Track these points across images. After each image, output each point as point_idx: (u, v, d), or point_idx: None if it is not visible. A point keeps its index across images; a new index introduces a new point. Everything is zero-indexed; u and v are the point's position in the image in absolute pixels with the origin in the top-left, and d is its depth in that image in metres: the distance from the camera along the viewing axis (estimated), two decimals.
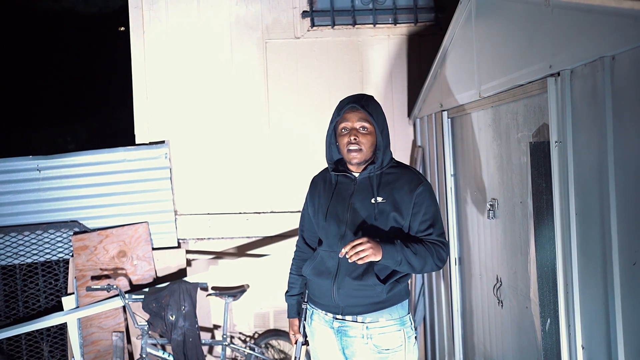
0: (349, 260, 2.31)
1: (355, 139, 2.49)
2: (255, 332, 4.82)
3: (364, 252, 2.29)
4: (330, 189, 2.64)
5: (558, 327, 2.36)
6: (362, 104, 2.53)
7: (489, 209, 3.14)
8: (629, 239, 1.88)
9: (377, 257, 2.32)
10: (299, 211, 4.74)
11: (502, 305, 3.09)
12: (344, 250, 2.31)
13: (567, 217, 2.24)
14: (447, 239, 2.55)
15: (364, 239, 2.31)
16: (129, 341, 4.54)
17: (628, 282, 1.89)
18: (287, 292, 2.86)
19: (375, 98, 2.66)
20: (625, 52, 1.83)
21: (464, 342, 3.81)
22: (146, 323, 4.22)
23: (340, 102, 2.61)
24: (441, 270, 4.09)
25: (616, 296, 1.93)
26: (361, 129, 2.52)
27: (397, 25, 4.79)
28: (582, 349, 2.19)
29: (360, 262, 2.30)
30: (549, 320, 2.54)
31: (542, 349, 2.59)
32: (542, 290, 2.56)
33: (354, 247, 2.30)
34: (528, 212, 2.66)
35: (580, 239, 2.19)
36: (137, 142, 4.74)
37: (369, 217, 2.50)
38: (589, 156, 2.11)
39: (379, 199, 2.50)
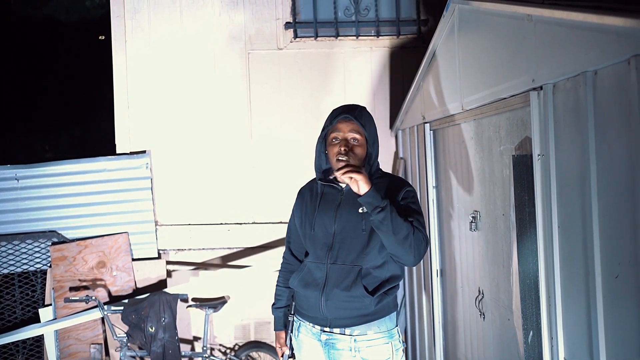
0: (339, 174, 2.32)
1: (345, 150, 2.48)
2: (236, 344, 4.78)
3: (357, 174, 2.30)
4: (317, 199, 2.63)
5: (540, 339, 2.37)
6: (355, 114, 2.52)
7: (471, 221, 3.15)
8: (611, 252, 1.89)
9: (365, 187, 2.30)
10: (281, 222, 4.73)
11: (484, 318, 3.10)
12: (339, 165, 2.38)
13: (550, 229, 2.25)
14: (428, 237, 2.51)
15: (360, 165, 2.39)
16: (107, 353, 4.48)
17: (610, 294, 1.90)
18: (273, 304, 2.84)
19: None
20: (607, 67, 1.85)
21: (445, 354, 3.81)
22: (125, 335, 4.16)
23: (333, 110, 2.60)
24: (422, 282, 4.09)
25: (598, 308, 1.94)
26: (352, 140, 2.51)
27: (380, 37, 4.82)
28: None
29: (346, 176, 2.30)
30: (531, 333, 2.55)
31: None
32: (525, 302, 2.58)
33: (349, 165, 2.34)
34: (510, 224, 2.68)
35: (563, 251, 2.20)
36: (117, 152, 4.70)
37: (356, 227, 2.49)
38: (571, 169, 2.13)
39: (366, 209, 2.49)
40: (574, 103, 2.07)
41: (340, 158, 2.48)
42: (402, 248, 2.35)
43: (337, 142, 2.52)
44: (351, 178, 2.31)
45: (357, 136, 2.51)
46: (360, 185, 2.30)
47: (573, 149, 2.10)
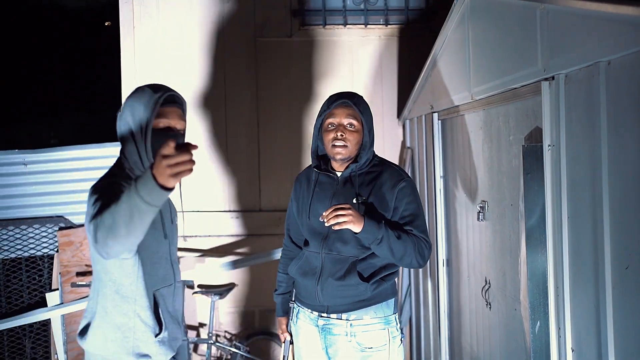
0: (326, 224, 2.29)
1: (342, 135, 2.47)
2: (241, 331, 4.80)
3: (344, 217, 2.26)
4: (312, 187, 2.63)
5: (548, 330, 2.38)
6: (354, 101, 2.52)
7: (479, 211, 3.15)
8: (621, 243, 1.89)
9: (357, 228, 2.30)
10: (286, 210, 4.73)
11: (490, 307, 3.11)
12: (325, 214, 2.29)
13: (559, 219, 2.25)
14: (429, 238, 2.52)
15: (347, 205, 2.30)
16: None
17: (620, 285, 1.90)
18: (275, 290, 2.86)
19: (365, 98, 2.67)
20: (622, 57, 1.84)
21: (450, 343, 3.82)
22: None
23: (330, 97, 2.59)
24: (428, 272, 4.10)
25: (607, 299, 1.94)
26: (349, 125, 2.50)
27: (389, 26, 4.80)
28: (572, 351, 2.20)
29: (336, 227, 2.28)
30: (538, 323, 2.55)
31: (530, 351, 2.60)
32: (532, 292, 2.58)
33: (334, 210, 2.28)
34: (519, 214, 2.68)
35: (572, 241, 2.20)
36: None
37: None
38: (582, 160, 2.12)
39: (361, 199, 2.49)
40: (587, 93, 2.06)
41: (336, 144, 2.47)
42: (403, 262, 2.44)
43: (332, 127, 2.51)
44: (341, 224, 2.30)
45: (354, 122, 2.50)
46: (353, 227, 2.31)
47: (584, 140, 2.09)
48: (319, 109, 2.61)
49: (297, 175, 2.81)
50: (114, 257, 1.93)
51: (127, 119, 2.13)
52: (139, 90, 2.16)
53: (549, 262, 2.32)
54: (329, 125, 2.53)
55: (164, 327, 2.18)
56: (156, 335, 2.15)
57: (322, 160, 2.67)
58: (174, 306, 2.25)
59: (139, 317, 2.15)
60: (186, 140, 2.13)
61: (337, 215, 2.27)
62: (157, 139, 2.09)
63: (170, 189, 1.72)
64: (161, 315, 2.17)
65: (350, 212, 2.28)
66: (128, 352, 2.14)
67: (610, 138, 1.93)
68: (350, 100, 2.52)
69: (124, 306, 2.15)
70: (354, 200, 2.49)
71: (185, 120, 2.22)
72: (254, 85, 4.75)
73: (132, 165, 2.16)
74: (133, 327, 2.15)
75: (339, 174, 2.58)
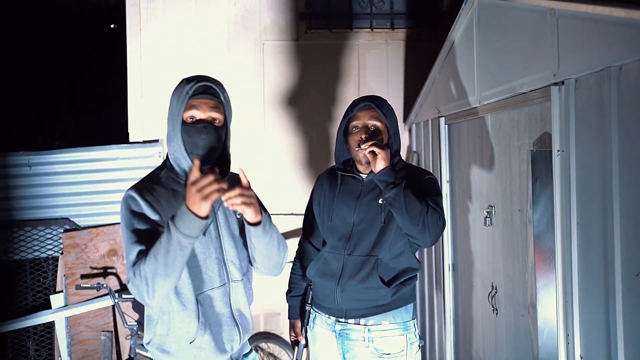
0: (363, 147, 2.35)
1: (366, 137, 2.46)
2: None
3: (380, 151, 2.32)
4: (336, 188, 2.61)
5: (556, 337, 2.36)
6: (376, 103, 2.52)
7: (486, 216, 3.13)
8: (632, 249, 1.88)
9: (382, 163, 2.33)
10: (292, 214, 4.72)
11: (496, 313, 3.09)
12: (364, 146, 2.36)
13: (568, 225, 2.23)
14: (444, 218, 2.45)
15: (384, 145, 2.39)
16: (117, 341, 4.49)
17: (630, 292, 1.88)
18: (288, 292, 2.82)
19: None
20: (633, 63, 1.83)
21: (455, 349, 3.80)
22: (136, 323, 4.17)
23: (354, 100, 2.60)
24: (434, 277, 4.08)
25: (617, 306, 1.93)
26: (372, 127, 2.50)
27: (395, 30, 4.79)
28: (581, 358, 2.19)
29: (370, 149, 2.34)
30: (546, 330, 2.54)
31: (538, 358, 2.59)
32: (540, 298, 2.56)
33: (374, 144, 2.34)
34: (527, 219, 2.66)
35: (581, 248, 2.18)
36: (130, 140, 4.70)
37: (375, 218, 2.47)
38: (591, 166, 2.10)
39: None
40: (597, 99, 2.04)
41: (361, 145, 2.44)
42: (416, 227, 2.32)
43: (357, 130, 2.51)
44: (373, 153, 2.30)
45: (378, 123, 2.49)
46: (378, 161, 2.29)
47: (594, 146, 2.08)
48: (336, 115, 2.61)
49: (319, 175, 2.80)
50: (159, 300, 1.91)
51: (168, 114, 2.09)
52: (177, 85, 2.11)
53: (557, 268, 2.30)
54: (353, 128, 2.53)
55: (201, 333, 2.06)
56: (191, 342, 2.06)
57: (346, 164, 2.66)
58: (229, 307, 2.13)
59: (174, 321, 2.06)
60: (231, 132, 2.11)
61: (375, 144, 2.33)
62: (187, 133, 2.03)
63: (205, 217, 1.78)
64: (200, 319, 2.05)
65: (386, 150, 2.35)
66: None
67: (621, 144, 1.91)
68: (373, 103, 2.52)
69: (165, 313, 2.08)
70: (380, 201, 2.48)
71: (223, 112, 2.11)
72: (260, 88, 4.74)
73: (172, 162, 2.10)
74: (168, 331, 2.08)
75: (363, 176, 2.58)
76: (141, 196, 2.02)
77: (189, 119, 2.04)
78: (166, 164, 2.15)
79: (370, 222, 2.49)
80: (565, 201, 2.25)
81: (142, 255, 1.89)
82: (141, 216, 1.99)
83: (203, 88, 2.07)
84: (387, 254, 2.47)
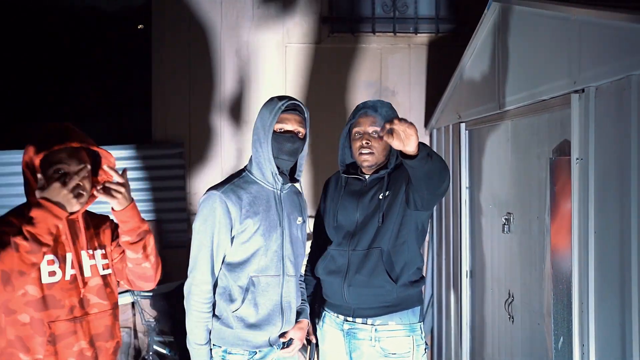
0: (391, 125, 2.08)
1: (367, 143, 2.53)
2: None
3: (411, 130, 2.10)
4: (340, 190, 2.68)
5: (571, 346, 2.34)
6: (377, 109, 2.56)
7: (504, 223, 3.12)
8: None
9: (413, 145, 2.11)
10: (310, 216, 4.73)
11: (512, 321, 3.07)
12: (390, 125, 2.09)
13: (586, 235, 2.22)
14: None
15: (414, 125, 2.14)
16: (136, 337, 4.55)
17: None
18: None
19: (393, 106, 2.68)
20: None
21: (471, 356, 3.78)
22: (154, 320, 4.22)
23: (357, 106, 2.67)
24: (451, 283, 4.07)
25: (634, 316, 1.91)
26: (374, 133, 2.54)
27: (418, 34, 4.79)
28: None
29: (402, 127, 2.08)
30: (561, 338, 2.52)
31: None
32: (556, 307, 2.54)
33: (404, 120, 2.10)
34: (545, 228, 2.64)
35: (598, 257, 2.17)
36: (153, 140, 4.75)
37: (377, 213, 2.51)
38: (610, 174, 2.09)
39: (387, 193, 2.50)
40: (617, 107, 2.03)
41: (363, 152, 2.54)
42: (442, 176, 2.27)
43: (359, 136, 2.58)
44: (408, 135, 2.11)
45: (378, 129, 2.52)
46: (414, 141, 2.12)
47: (613, 154, 2.06)
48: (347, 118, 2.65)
49: (327, 179, 2.87)
50: None
51: (257, 124, 2.43)
52: (268, 101, 2.46)
53: (574, 277, 2.28)
54: (356, 134, 2.60)
55: (245, 307, 2.36)
56: (233, 311, 2.36)
57: (350, 167, 2.72)
58: (280, 296, 2.41)
59: (230, 290, 2.41)
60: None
61: (404, 127, 2.07)
62: (277, 140, 2.38)
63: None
64: (246, 295, 2.37)
65: (414, 128, 2.12)
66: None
67: None
68: (373, 109, 2.57)
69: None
70: (380, 197, 2.51)
71: (305, 127, 2.45)
72: (282, 90, 4.76)
73: (255, 165, 2.45)
74: (220, 297, 2.43)
75: (367, 176, 2.62)
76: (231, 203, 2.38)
77: (279, 130, 2.39)
78: (241, 172, 2.54)
79: (370, 217, 2.53)
80: (583, 210, 2.23)
81: (205, 292, 2.46)
82: (226, 227, 2.39)
83: (292, 106, 2.42)
84: (389, 243, 2.48)
